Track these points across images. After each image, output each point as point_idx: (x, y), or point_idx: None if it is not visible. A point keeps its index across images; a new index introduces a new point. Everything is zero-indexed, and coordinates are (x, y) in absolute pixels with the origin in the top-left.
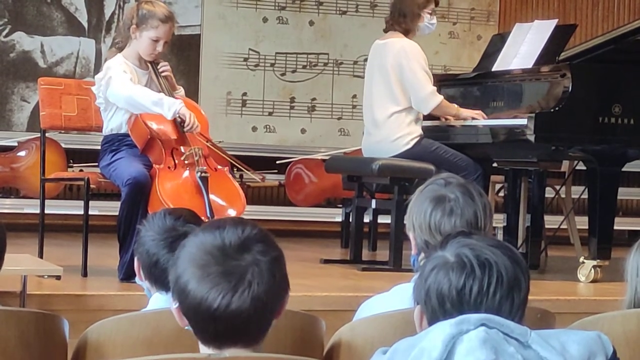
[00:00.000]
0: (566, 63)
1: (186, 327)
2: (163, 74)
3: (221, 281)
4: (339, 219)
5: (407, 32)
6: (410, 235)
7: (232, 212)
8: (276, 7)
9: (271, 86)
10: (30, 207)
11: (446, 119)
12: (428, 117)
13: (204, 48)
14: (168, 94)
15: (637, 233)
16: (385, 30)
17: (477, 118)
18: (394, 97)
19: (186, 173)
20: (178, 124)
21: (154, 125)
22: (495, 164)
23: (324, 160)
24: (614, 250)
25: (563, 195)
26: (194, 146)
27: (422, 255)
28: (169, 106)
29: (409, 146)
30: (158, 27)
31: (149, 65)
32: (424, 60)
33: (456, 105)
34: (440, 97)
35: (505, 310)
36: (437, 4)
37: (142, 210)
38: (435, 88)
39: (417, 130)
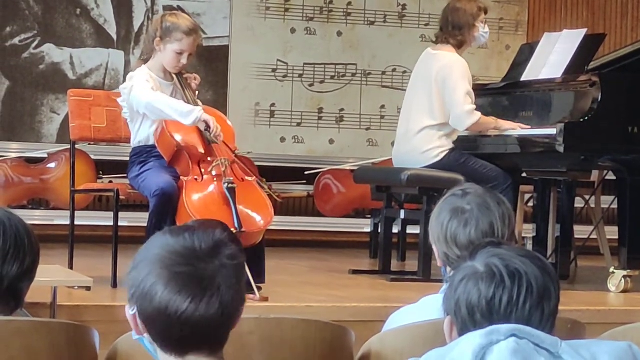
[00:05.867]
0: (595, 72)
1: (135, 338)
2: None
3: (190, 284)
4: (368, 229)
5: (461, 44)
6: (434, 247)
7: (260, 223)
8: (304, 18)
9: (299, 97)
10: (60, 218)
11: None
12: None
13: (233, 59)
14: (193, 105)
15: None
16: (436, 43)
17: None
18: (431, 111)
19: (213, 184)
20: (203, 130)
21: (179, 137)
22: (524, 174)
23: (352, 171)
24: None
25: (593, 205)
26: (220, 157)
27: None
28: (188, 112)
29: (438, 159)
30: (182, 40)
31: (175, 76)
32: (468, 80)
33: (494, 119)
34: (477, 116)
35: (536, 320)
36: (486, 13)
37: (170, 221)
38: (474, 107)
39: (447, 144)
